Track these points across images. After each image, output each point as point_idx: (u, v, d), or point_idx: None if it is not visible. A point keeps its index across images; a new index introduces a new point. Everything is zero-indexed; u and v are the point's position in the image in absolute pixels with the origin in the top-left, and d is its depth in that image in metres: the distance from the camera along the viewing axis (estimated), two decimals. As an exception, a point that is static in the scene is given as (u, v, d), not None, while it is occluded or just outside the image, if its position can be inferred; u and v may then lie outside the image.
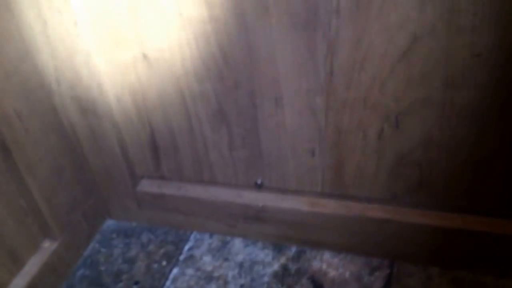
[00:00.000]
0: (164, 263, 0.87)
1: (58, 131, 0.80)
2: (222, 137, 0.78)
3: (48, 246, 0.83)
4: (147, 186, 0.89)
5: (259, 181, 0.82)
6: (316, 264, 0.83)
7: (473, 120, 0.64)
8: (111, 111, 0.79)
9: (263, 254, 0.86)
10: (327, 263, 0.83)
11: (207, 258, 0.87)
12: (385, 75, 0.63)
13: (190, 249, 0.89)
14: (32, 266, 0.80)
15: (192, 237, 0.91)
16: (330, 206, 0.80)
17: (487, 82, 0.60)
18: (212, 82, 0.71)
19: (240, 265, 0.85)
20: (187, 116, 0.77)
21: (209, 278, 0.83)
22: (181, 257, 0.87)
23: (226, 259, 0.86)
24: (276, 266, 0.83)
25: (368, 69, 0.63)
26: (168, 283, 0.83)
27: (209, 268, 0.85)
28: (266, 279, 0.82)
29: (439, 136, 0.67)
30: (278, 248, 0.86)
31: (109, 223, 0.96)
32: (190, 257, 0.87)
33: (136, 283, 0.84)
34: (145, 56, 0.71)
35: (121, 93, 0.76)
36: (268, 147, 0.76)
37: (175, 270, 0.85)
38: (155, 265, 0.87)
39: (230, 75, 0.69)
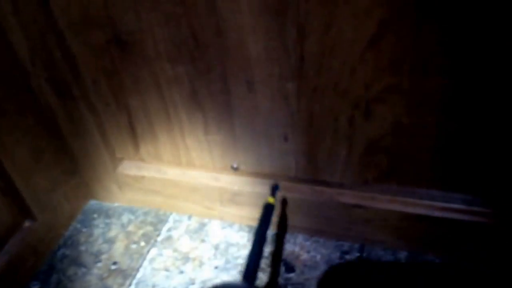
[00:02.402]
0: (142, 243, 0.83)
1: (35, 113, 0.76)
2: (197, 121, 0.74)
3: (28, 226, 0.79)
4: (127, 168, 0.86)
5: (235, 165, 0.78)
6: (289, 247, 0.79)
7: (441, 108, 0.60)
8: (88, 94, 0.74)
9: (238, 236, 0.82)
10: (300, 246, 0.79)
11: (184, 239, 0.83)
12: (355, 61, 0.59)
13: (169, 230, 0.85)
14: (12, 246, 0.76)
15: (171, 218, 0.87)
16: (303, 191, 0.76)
17: (455, 69, 0.56)
18: (185, 65, 0.67)
19: (216, 247, 0.81)
20: (163, 100, 0.72)
21: (186, 259, 0.80)
22: (159, 238, 0.84)
23: (203, 241, 0.83)
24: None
25: (338, 55, 0.59)
26: (145, 263, 0.80)
27: (186, 249, 0.82)
28: (240, 261, 0.78)
29: (408, 123, 0.63)
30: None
31: (92, 203, 0.92)
32: (168, 238, 0.84)
33: (115, 263, 0.81)
34: (118, 39, 0.66)
35: (96, 76, 0.72)
36: (242, 131, 0.72)
37: (152, 251, 0.82)
38: (134, 246, 0.83)
39: (202, 58, 0.65)
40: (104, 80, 0.72)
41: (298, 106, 0.67)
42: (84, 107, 0.76)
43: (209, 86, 0.68)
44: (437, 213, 0.70)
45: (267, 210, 0.70)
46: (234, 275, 0.76)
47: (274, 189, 0.74)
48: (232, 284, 0.59)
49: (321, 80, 0.63)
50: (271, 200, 0.72)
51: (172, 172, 0.83)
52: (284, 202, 0.78)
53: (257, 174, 0.78)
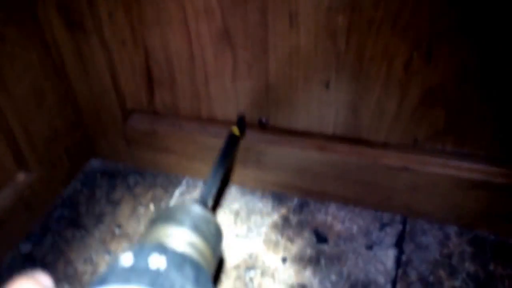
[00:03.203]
0: (151, 206, 0.74)
1: (40, 47, 0.67)
2: (225, 63, 0.65)
3: (22, 179, 0.70)
4: (138, 121, 0.77)
5: (263, 119, 0.69)
6: (320, 217, 0.71)
7: (520, 50, 0.52)
8: (102, 28, 0.66)
9: (261, 203, 0.74)
10: (332, 216, 0.71)
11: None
12: (423, -14, 0.51)
13: (182, 194, 0.76)
14: (3, 199, 0.67)
15: (184, 182, 0.78)
16: (340, 151, 0.68)
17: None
18: (218, -8, 0.58)
19: (236, 214, 0.72)
20: (188, 37, 0.64)
21: (201, 225, 0.71)
22: (171, 202, 0.75)
23: (220, 206, 0.74)
24: (275, 217, 0.71)
25: (404, -22, 0.51)
26: (154, 227, 0.71)
27: (201, 214, 0.73)
28: (264, 229, 0.70)
29: (477, 69, 0.55)
30: (279, 199, 0.74)
31: (94, 162, 0.83)
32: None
33: (119, 226, 0.72)
34: (142, -44, 0.58)
35: (114, 6, 0.63)
36: (277, 76, 0.64)
37: (163, 215, 0.73)
38: (142, 209, 0.74)
39: (240, -18, 0.57)
40: (122, 11, 0.64)
41: (347, 46, 0.58)
42: (96, 43, 0.67)
43: (245, 19, 0.60)
44: (498, 180, 0.62)
45: (231, 140, 0.66)
46: (257, 244, 0.67)
47: (240, 121, 0.69)
48: (184, 205, 0.53)
49: (379, 12, 0.54)
50: (236, 131, 0.67)
51: (189, 127, 0.74)
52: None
53: (287, 132, 0.70)
